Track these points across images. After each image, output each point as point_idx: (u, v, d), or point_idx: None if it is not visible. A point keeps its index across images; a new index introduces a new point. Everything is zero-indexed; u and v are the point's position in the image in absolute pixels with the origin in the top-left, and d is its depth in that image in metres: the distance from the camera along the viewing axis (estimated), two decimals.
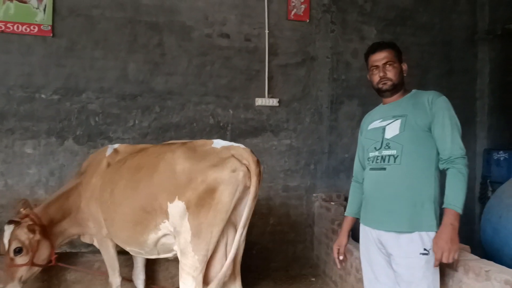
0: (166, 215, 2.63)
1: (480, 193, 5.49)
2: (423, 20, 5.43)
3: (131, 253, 3.12)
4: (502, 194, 3.52)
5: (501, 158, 5.25)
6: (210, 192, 2.52)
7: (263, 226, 4.87)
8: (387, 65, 2.38)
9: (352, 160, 5.08)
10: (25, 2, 4.34)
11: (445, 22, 5.52)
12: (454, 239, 2.07)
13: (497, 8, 5.60)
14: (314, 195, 5.03)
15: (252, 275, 4.40)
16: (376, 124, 2.41)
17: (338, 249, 2.60)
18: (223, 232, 2.59)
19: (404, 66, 2.43)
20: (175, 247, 2.72)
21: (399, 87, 2.39)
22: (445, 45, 5.52)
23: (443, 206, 2.14)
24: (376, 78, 2.41)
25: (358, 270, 3.59)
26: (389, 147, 2.29)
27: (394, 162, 2.25)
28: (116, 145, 3.43)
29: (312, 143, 5.08)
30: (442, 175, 2.27)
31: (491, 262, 2.34)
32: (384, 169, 2.28)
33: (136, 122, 4.62)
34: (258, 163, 2.64)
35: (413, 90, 2.42)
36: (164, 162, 2.69)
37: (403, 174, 2.23)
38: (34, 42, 4.37)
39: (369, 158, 2.40)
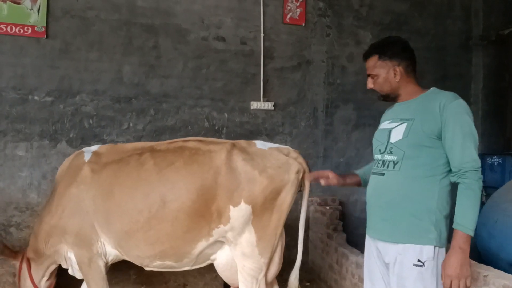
0: (224, 219, 2.53)
1: None
2: (418, 26, 5.45)
3: (154, 268, 2.77)
4: (497, 199, 3.53)
5: (495, 163, 5.27)
6: (276, 194, 2.55)
7: None
8: (370, 77, 2.28)
9: (347, 164, 5.12)
10: (18, 3, 4.29)
11: (440, 28, 5.55)
12: (464, 264, 1.89)
13: (491, 14, 5.64)
14: (309, 199, 5.00)
15: None
16: (386, 125, 2.27)
17: (328, 174, 2.53)
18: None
19: (397, 70, 2.22)
20: (213, 257, 2.71)
21: (393, 94, 2.25)
22: (439, 51, 5.54)
23: (453, 226, 1.97)
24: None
25: (354, 274, 3.57)
26: (391, 152, 2.16)
27: (393, 168, 2.12)
28: (93, 148, 3.06)
29: (307, 147, 5.06)
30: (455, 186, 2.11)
31: (489, 267, 2.34)
32: (383, 174, 2.17)
33: (131, 125, 4.57)
34: (308, 164, 2.75)
35: (431, 89, 2.21)
36: (220, 162, 2.58)
37: (400, 182, 2.09)
38: (28, 43, 4.32)
39: (374, 160, 2.31)
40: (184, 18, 4.73)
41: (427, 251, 1.99)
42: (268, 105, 4.90)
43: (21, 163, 4.30)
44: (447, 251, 2.01)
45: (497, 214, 3.32)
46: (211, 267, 3.73)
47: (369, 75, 2.29)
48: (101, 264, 2.80)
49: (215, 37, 4.82)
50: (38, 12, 4.31)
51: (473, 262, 2.39)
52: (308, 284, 4.58)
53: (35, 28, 4.31)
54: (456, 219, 1.95)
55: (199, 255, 2.67)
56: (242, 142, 2.77)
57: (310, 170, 2.74)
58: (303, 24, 5.03)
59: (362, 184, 2.56)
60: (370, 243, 2.29)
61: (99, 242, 2.75)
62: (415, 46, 5.53)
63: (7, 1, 4.25)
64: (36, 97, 4.34)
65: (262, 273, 2.59)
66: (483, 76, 5.62)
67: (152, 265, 2.73)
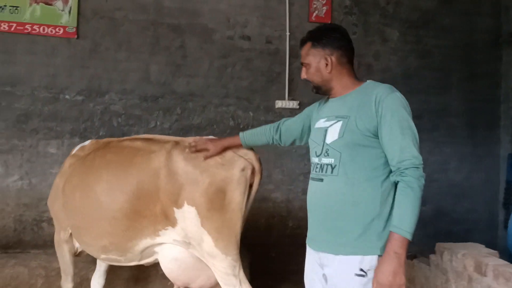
0: (172, 221, 2.46)
1: (504, 199, 5.37)
2: (446, 23, 5.35)
3: (104, 261, 2.91)
4: None
5: None
6: (220, 193, 2.40)
7: (282, 229, 4.84)
8: (304, 67, 2.12)
9: None
10: (50, 5, 4.41)
11: (468, 25, 5.43)
12: (397, 271, 1.72)
13: None
14: None
15: (270, 278, 4.38)
16: (321, 123, 2.08)
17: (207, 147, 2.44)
18: None
19: (328, 59, 2.02)
20: (157, 253, 2.63)
21: (325, 87, 2.08)
22: (468, 48, 5.42)
23: (389, 229, 1.80)
24: None
25: None
26: (328, 155, 1.96)
27: (332, 172, 1.93)
28: (86, 142, 3.14)
29: None
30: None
31: None
32: (322, 180, 1.98)
33: (158, 123, 4.65)
34: (260, 160, 2.57)
35: (367, 82, 2.05)
36: (159, 164, 2.47)
37: (339, 188, 1.91)
38: (59, 43, 4.44)
39: (312, 163, 2.11)
40: (210, 17, 4.78)
41: (370, 260, 1.84)
42: (293, 104, 4.90)
43: (52, 160, 4.42)
44: None
45: None
46: None
47: (302, 64, 2.13)
48: (65, 249, 2.93)
49: (240, 36, 4.85)
50: (69, 13, 4.43)
51: (504, 262, 2.35)
52: None
53: (66, 28, 4.42)
54: (394, 220, 1.79)
55: (144, 251, 2.62)
56: (190, 139, 2.63)
57: (262, 168, 2.57)
58: (329, 22, 5.00)
59: (242, 144, 2.53)
60: (310, 255, 2.09)
61: (66, 230, 2.89)
62: (443, 43, 5.52)
63: (40, 3, 4.38)
64: (67, 96, 4.46)
65: (237, 268, 2.48)
66: None
67: (101, 258, 2.82)
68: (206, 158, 2.43)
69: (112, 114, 4.55)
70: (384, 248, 1.80)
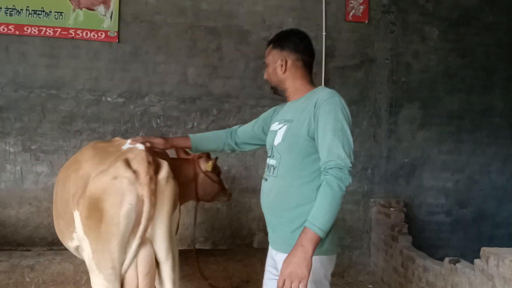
0: (73, 225, 2.32)
1: None
2: (488, 20, 5.18)
3: None
4: None
5: None
6: (95, 202, 2.14)
7: None
8: (266, 66, 2.21)
9: (412, 165, 4.97)
10: (93, 10, 4.56)
11: None
12: (300, 263, 1.69)
13: None
14: (371, 200, 4.92)
15: None
16: (274, 126, 2.16)
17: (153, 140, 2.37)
18: (129, 249, 2.17)
19: (283, 61, 2.09)
20: None
21: (280, 88, 2.16)
22: None
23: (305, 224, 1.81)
24: None
25: (421, 278, 3.47)
26: (273, 156, 2.08)
27: (273, 173, 2.04)
28: None
29: (369, 147, 4.98)
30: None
31: None
32: (266, 180, 2.10)
33: (195, 124, 4.73)
34: (151, 168, 2.15)
35: (317, 88, 2.11)
36: (74, 166, 2.40)
37: (278, 189, 2.00)
38: (101, 47, 4.59)
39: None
40: (246, 19, 4.82)
41: None
42: None
43: None
44: (330, 259, 1.97)
45: None
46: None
47: (264, 63, 2.24)
48: None
49: None
50: (111, 17, 4.57)
51: None
52: (371, 286, 4.51)
53: (108, 33, 4.57)
54: (309, 216, 1.79)
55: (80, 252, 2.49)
56: (116, 142, 2.46)
57: (149, 175, 2.12)
58: (366, 22, 4.94)
59: (192, 148, 2.51)
60: (269, 251, 2.16)
61: None
62: (485, 41, 5.35)
63: (83, 8, 4.54)
64: (109, 98, 4.60)
65: None
66: None
67: None
68: (147, 146, 2.28)
69: (152, 115, 4.67)
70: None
